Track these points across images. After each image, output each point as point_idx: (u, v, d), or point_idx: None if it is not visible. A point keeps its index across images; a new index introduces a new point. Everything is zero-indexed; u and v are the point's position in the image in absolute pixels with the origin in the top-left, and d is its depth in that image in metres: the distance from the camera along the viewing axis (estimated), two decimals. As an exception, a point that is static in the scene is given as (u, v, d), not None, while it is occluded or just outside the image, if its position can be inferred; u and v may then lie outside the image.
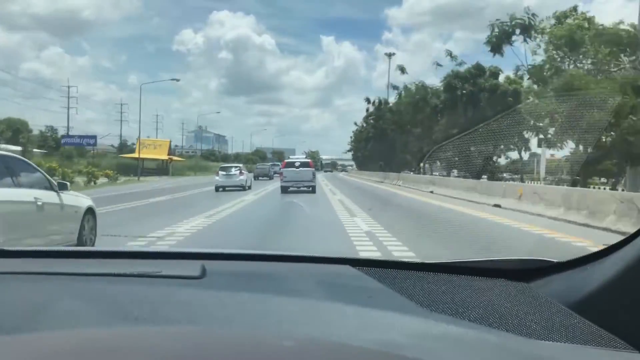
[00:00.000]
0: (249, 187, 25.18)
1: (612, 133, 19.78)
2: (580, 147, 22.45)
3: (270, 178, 39.85)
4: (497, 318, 1.00)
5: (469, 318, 1.00)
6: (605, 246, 1.05)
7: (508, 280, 1.20)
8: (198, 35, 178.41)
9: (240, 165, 28.05)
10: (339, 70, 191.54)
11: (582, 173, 23.14)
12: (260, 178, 39.27)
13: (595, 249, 1.11)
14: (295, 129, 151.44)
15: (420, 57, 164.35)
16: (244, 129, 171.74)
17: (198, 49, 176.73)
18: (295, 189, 21.39)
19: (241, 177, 25.25)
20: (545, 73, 24.98)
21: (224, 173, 25.75)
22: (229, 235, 9.79)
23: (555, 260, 1.17)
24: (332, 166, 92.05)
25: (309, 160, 24.29)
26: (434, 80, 41.08)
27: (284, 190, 21.40)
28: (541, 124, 23.81)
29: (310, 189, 21.56)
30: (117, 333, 0.82)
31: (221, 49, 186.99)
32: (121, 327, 0.87)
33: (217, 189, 23.75)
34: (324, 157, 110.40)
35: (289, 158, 27.19)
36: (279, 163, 43.74)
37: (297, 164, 22.50)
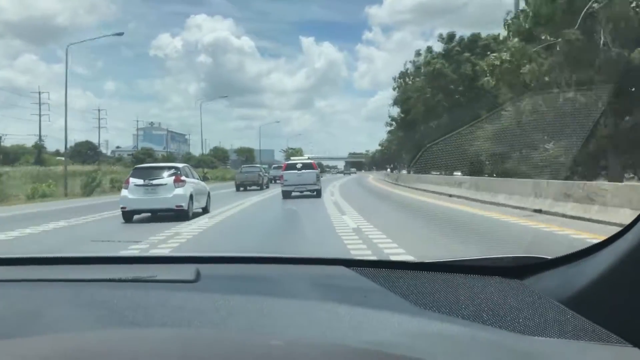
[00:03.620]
0: (204, 210, 14.68)
1: None
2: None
3: (261, 188, 29.61)
4: (490, 315, 1.03)
5: (462, 316, 1.03)
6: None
7: (502, 277, 1.23)
8: (176, 40, 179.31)
9: (179, 166, 14.02)
10: (319, 72, 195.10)
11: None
12: (248, 188, 29.12)
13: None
14: (277, 132, 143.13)
15: (402, 56, 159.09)
16: (225, 133, 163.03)
17: (176, 53, 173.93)
18: (299, 193, 20.42)
19: (177, 191, 12.94)
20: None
21: (139, 183, 12.90)
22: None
23: (549, 257, 1.18)
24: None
25: (312, 161, 22.47)
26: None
27: (286, 195, 20.10)
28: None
29: (315, 193, 20.40)
30: (106, 336, 0.86)
31: (200, 53, 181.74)
32: (111, 330, 0.89)
33: (125, 216, 12.88)
34: (308, 155, 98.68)
35: (290, 159, 25.52)
36: (279, 164, 39.88)
37: (298, 166, 20.99)
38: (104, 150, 72.15)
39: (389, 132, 55.57)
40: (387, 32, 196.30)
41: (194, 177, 14.51)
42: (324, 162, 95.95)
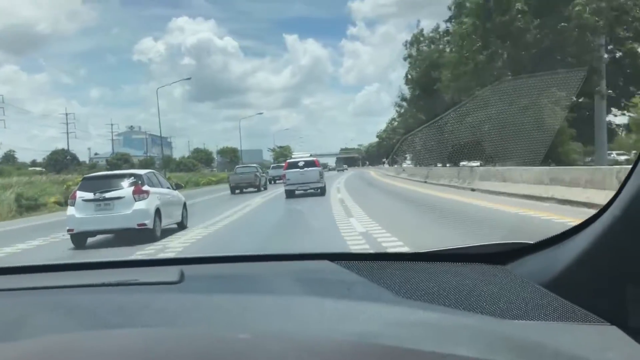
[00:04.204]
0: (180, 225, 12.09)
1: None
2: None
3: (259, 189, 27.19)
4: (473, 301, 1.04)
5: (445, 303, 1.04)
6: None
7: (485, 264, 1.25)
8: (159, 43, 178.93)
9: (140, 173, 11.03)
10: (305, 69, 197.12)
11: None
12: (244, 190, 26.86)
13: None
14: (265, 131, 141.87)
15: (387, 49, 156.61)
16: (212, 134, 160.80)
17: (160, 57, 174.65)
18: (302, 191, 19.83)
19: (138, 205, 10.24)
20: None
21: (88, 197, 10.26)
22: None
23: (530, 242, 1.20)
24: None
25: (314, 158, 21.51)
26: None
27: (290, 194, 19.56)
28: None
29: (319, 190, 19.85)
30: (82, 337, 0.86)
31: (183, 55, 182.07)
32: (89, 332, 0.90)
33: (74, 240, 10.13)
34: (297, 154, 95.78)
35: (291, 157, 25.18)
36: (280, 164, 38.62)
37: (300, 164, 20.28)
38: (82, 159, 68.61)
39: (399, 117, 50.50)
40: (371, 26, 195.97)
41: (162, 186, 11.70)
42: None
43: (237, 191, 26.76)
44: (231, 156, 69.79)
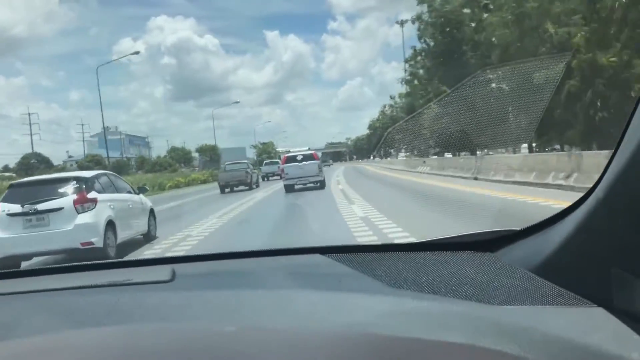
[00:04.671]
0: (147, 237, 10.18)
1: None
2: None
3: (250, 187, 25.58)
4: (462, 288, 1.05)
5: (435, 292, 1.05)
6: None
7: (474, 251, 1.27)
8: (138, 43, 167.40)
9: (87, 176, 8.61)
10: (287, 65, 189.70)
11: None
12: (234, 189, 25.19)
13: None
14: (248, 129, 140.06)
15: (368, 43, 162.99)
16: (195, 134, 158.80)
17: (140, 57, 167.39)
18: (302, 185, 19.80)
19: (82, 219, 7.84)
20: None
21: (16, 211, 7.87)
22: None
23: (519, 228, 1.21)
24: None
25: (313, 152, 21.50)
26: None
27: (289, 189, 19.47)
28: None
29: (319, 184, 19.86)
30: (72, 335, 0.88)
31: (163, 55, 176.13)
32: (81, 331, 0.92)
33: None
34: (281, 149, 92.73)
35: (289, 152, 24.03)
36: (277, 161, 37.07)
37: (299, 158, 20.11)
38: (56, 162, 65.16)
39: (406, 95, 43.27)
40: (352, 20, 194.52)
41: (119, 191, 9.33)
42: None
43: (227, 190, 24.94)
44: (211, 154, 66.45)
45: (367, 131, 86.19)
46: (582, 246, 0.97)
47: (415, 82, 38.06)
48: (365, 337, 0.81)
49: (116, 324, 0.94)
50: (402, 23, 43.44)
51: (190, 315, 0.99)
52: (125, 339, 0.84)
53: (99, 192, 8.39)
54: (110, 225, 8.24)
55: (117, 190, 9.40)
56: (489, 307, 0.98)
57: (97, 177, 8.98)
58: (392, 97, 59.91)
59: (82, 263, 1.46)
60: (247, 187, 25.18)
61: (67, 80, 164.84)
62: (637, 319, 0.85)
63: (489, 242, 1.26)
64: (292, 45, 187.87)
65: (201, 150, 68.56)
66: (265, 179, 34.04)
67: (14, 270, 1.45)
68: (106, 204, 8.37)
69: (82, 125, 72.58)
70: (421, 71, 36.46)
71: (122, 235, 8.67)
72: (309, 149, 24.52)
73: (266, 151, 75.51)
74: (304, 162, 19.81)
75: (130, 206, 9.51)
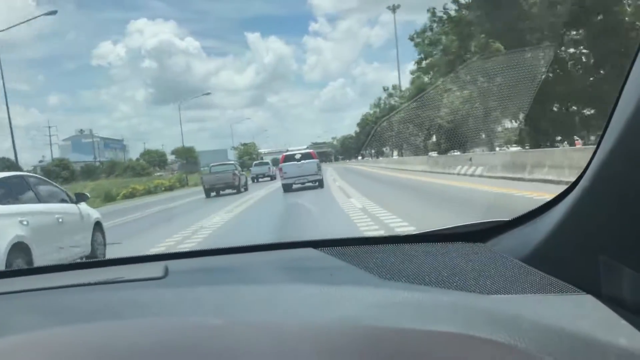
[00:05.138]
0: (89, 259, 6.89)
1: None
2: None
3: (238, 190, 23.48)
4: (453, 279, 1.06)
5: (426, 283, 1.06)
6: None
7: (465, 242, 1.28)
8: (118, 47, 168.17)
9: None
10: (269, 67, 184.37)
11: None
12: (221, 192, 23.33)
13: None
14: (230, 132, 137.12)
15: (349, 44, 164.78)
16: (177, 137, 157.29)
17: (120, 60, 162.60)
18: (300, 185, 19.51)
19: None
20: None
21: None
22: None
23: (509, 219, 1.23)
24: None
25: (311, 150, 21.44)
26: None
27: (287, 188, 19.24)
28: None
29: (317, 183, 19.59)
30: (63, 331, 0.88)
31: (144, 58, 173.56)
32: (70, 326, 0.92)
33: None
34: (264, 150, 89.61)
35: (287, 151, 23.37)
36: (267, 161, 37.70)
37: (297, 156, 19.98)
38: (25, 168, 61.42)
39: (416, 76, 37.93)
40: (333, 21, 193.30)
41: (40, 200, 6.82)
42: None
43: (213, 194, 22.96)
44: (187, 156, 63.01)
45: (356, 129, 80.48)
46: (570, 235, 0.98)
47: (427, 60, 33.87)
48: (356, 330, 0.82)
49: (107, 321, 0.95)
50: (394, 8, 40.82)
51: (182, 312, 1.00)
52: (115, 335, 0.84)
53: (1, 203, 5.88)
54: (19, 248, 5.77)
55: (39, 199, 6.91)
56: (479, 296, 0.99)
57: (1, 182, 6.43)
58: (385, 89, 56.66)
59: (73, 262, 1.53)
60: (234, 191, 22.98)
61: (46, 85, 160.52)
62: (625, 305, 0.87)
63: (480, 233, 1.28)
64: (273, 47, 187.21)
65: (177, 152, 65.04)
66: (255, 181, 32.36)
67: (2, 270, 1.43)
68: (13, 219, 5.88)
69: (49, 127, 68.93)
70: (444, 38, 30.28)
71: (46, 259, 6.19)
72: (306, 149, 23.93)
73: (247, 152, 72.44)
74: (302, 161, 19.55)
75: (61, 220, 7.08)
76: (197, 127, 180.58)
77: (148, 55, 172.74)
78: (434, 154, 24.85)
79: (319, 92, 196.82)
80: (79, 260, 2.21)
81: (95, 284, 1.17)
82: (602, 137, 0.87)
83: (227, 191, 23.11)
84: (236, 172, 23.99)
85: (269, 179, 34.17)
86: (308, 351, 0.76)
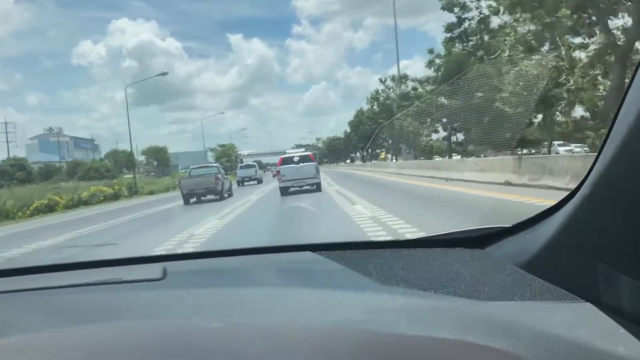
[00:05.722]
0: None
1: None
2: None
3: (221, 197, 20.91)
4: (452, 285, 1.07)
5: (425, 288, 1.07)
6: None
7: (464, 248, 1.29)
8: (99, 46, 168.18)
9: None
10: (251, 69, 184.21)
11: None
12: (202, 198, 20.81)
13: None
14: (211, 133, 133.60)
15: (333, 47, 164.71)
16: (157, 139, 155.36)
17: (101, 60, 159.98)
18: (297, 188, 18.98)
19: None
20: None
21: None
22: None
23: (508, 225, 1.24)
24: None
25: (309, 153, 20.87)
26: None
27: (284, 191, 18.80)
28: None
29: (315, 186, 19.22)
30: (62, 333, 0.89)
31: (125, 58, 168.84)
32: (68, 328, 0.93)
33: None
34: (244, 152, 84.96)
35: (285, 153, 22.17)
36: (253, 164, 36.41)
37: (295, 159, 19.56)
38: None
39: (451, 38, 31.85)
40: (317, 24, 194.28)
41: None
42: (264, 159, 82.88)
43: (193, 200, 20.59)
44: (158, 157, 58.00)
45: (347, 130, 74.38)
46: (569, 242, 0.98)
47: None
48: (354, 334, 0.82)
49: (105, 322, 0.95)
50: None
51: (180, 313, 1.00)
52: (113, 336, 0.85)
53: None
54: None
55: None
56: (478, 302, 0.99)
57: None
58: (382, 81, 51.26)
59: (72, 262, 1.48)
60: (217, 197, 20.44)
61: (24, 83, 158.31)
62: (624, 314, 0.87)
63: (479, 239, 1.28)
64: (256, 49, 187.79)
65: (147, 152, 59.93)
66: (241, 185, 30.34)
67: (1, 269, 1.45)
68: None
69: (6, 124, 63.92)
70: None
71: None
72: (305, 150, 23.85)
73: (226, 154, 68.20)
74: (300, 164, 19.35)
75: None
76: (177, 128, 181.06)
77: (129, 55, 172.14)
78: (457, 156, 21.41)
79: (301, 96, 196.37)
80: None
81: (94, 284, 1.19)
82: (603, 144, 0.88)
83: (209, 197, 20.69)
84: (219, 175, 21.41)
85: (255, 182, 32.19)
86: (306, 354, 0.76)
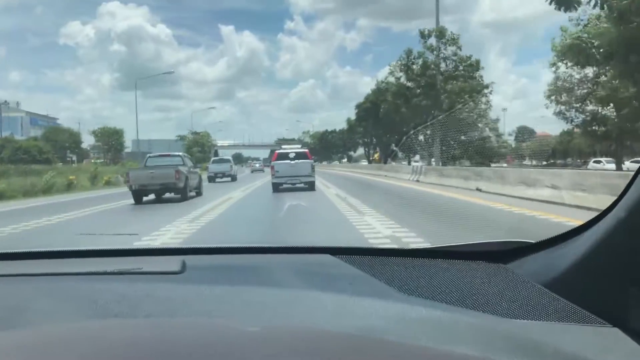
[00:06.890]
0: None
1: None
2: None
3: (185, 196, 15.91)
4: (474, 299, 1.08)
5: (446, 300, 1.08)
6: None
7: (486, 262, 1.29)
8: (87, 28, 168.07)
9: None
10: (240, 62, 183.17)
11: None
12: (160, 196, 16.05)
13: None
14: (197, 123, 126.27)
15: (324, 45, 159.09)
16: (140, 125, 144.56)
17: (88, 42, 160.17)
18: (290, 185, 18.77)
19: None
20: None
21: None
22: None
23: (532, 241, 1.25)
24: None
25: (306, 150, 20.71)
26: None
27: (276, 187, 18.73)
28: None
29: (308, 185, 18.84)
30: (86, 326, 0.89)
31: (113, 41, 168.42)
32: (92, 321, 0.94)
33: None
34: (221, 142, 75.63)
35: (281, 148, 22.45)
36: (228, 158, 32.54)
37: (291, 155, 19.30)
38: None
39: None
40: (309, 21, 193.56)
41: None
42: (245, 152, 74.44)
43: (146, 196, 15.98)
44: (111, 140, 48.19)
45: (350, 118, 60.74)
46: (599, 264, 0.97)
47: None
48: (374, 342, 0.81)
49: (125, 314, 0.96)
50: None
51: (199, 309, 1.01)
52: (133, 330, 0.85)
53: None
54: None
55: None
56: (500, 319, 0.99)
57: None
58: (424, 35, 33.79)
59: (91, 249, 1.49)
60: (178, 196, 15.99)
61: (8, 60, 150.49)
62: None
63: (501, 253, 1.28)
64: (247, 42, 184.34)
65: (99, 133, 49.70)
66: (212, 181, 27.76)
67: (22, 251, 1.45)
68: None
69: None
70: None
71: None
72: (302, 147, 23.94)
73: (198, 143, 59.47)
74: (296, 161, 19.00)
75: None
76: (161, 116, 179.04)
77: (117, 39, 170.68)
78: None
79: (288, 92, 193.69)
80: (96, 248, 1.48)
81: (112, 273, 1.21)
82: None
83: (167, 195, 16.34)
84: (182, 168, 16.39)
85: (229, 179, 29.17)
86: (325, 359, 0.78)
